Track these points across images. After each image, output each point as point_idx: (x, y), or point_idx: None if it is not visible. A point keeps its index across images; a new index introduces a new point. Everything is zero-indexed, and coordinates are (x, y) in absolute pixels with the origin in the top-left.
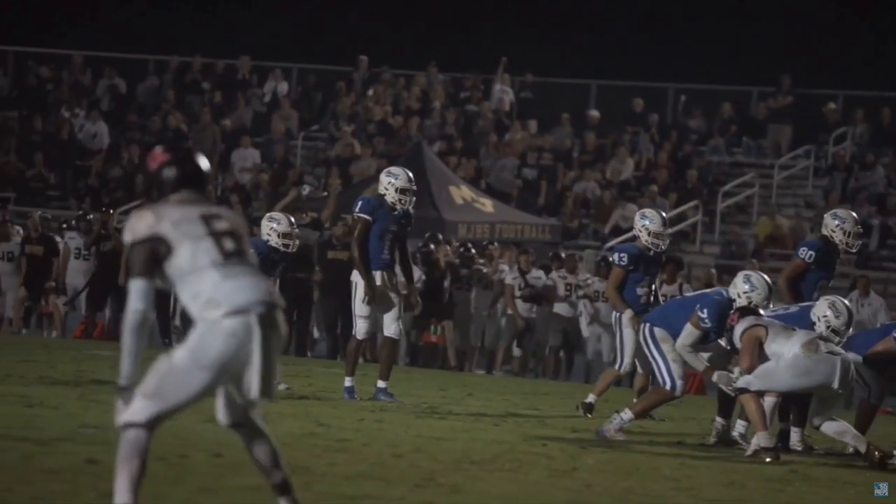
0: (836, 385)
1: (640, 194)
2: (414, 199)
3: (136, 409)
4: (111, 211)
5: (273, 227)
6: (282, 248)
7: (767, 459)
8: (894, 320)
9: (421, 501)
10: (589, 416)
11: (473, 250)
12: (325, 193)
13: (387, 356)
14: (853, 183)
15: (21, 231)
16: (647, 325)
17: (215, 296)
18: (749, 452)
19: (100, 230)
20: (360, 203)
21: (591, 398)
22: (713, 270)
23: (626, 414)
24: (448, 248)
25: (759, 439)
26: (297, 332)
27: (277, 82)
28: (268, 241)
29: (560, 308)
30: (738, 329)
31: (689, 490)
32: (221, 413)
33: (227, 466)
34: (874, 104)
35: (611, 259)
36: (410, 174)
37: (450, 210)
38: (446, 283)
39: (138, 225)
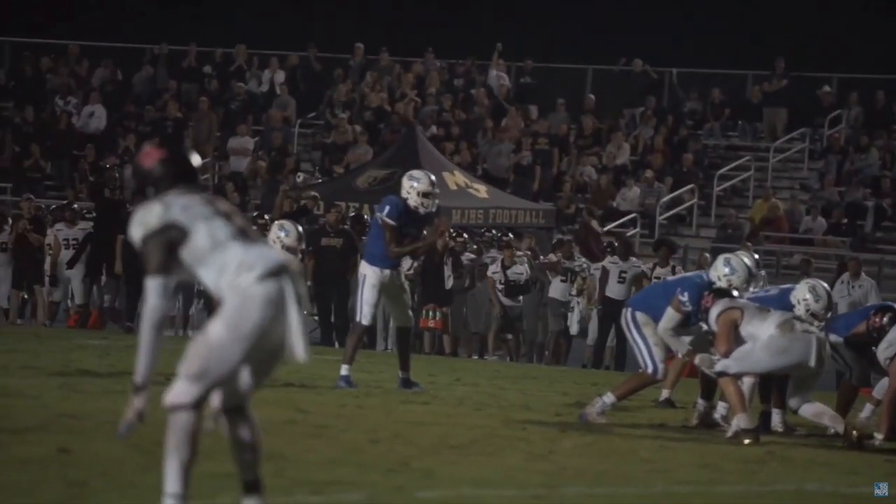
0: (812, 363)
1: (636, 178)
2: (437, 201)
3: (181, 392)
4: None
5: (280, 237)
6: None
7: (746, 441)
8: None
9: (392, 486)
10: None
11: (466, 236)
12: (300, 182)
13: (403, 346)
14: (848, 166)
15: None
16: (629, 309)
17: (246, 259)
18: (729, 434)
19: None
20: (387, 208)
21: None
22: (707, 255)
23: (609, 397)
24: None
25: (739, 421)
26: None
27: (274, 71)
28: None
29: (556, 292)
30: (714, 312)
31: (663, 472)
32: (217, 395)
33: (200, 454)
34: (868, 87)
35: None
36: (432, 177)
37: (443, 196)
38: (447, 269)
39: (148, 217)
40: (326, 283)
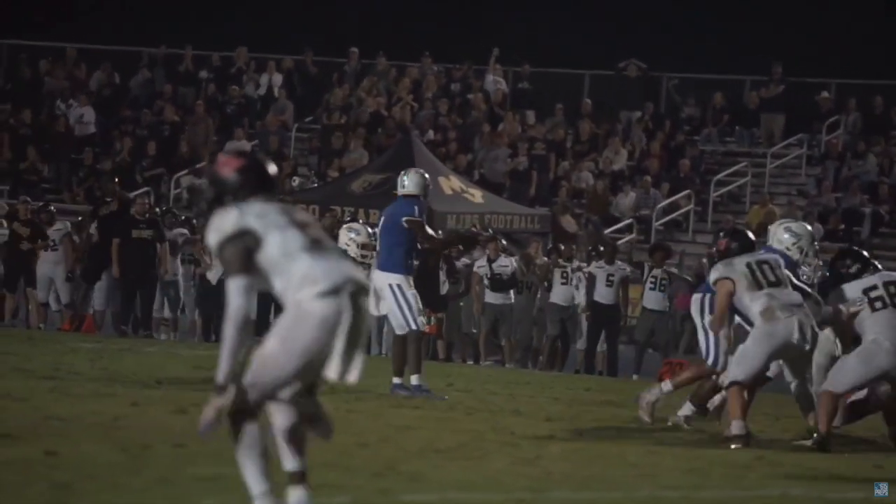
0: (795, 340)
1: (633, 184)
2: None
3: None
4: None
5: (353, 238)
6: (359, 260)
7: (733, 446)
8: None
9: (378, 489)
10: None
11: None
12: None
13: (415, 350)
14: (845, 171)
15: (5, 223)
16: (707, 294)
17: (312, 273)
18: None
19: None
20: (416, 208)
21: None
22: (704, 261)
23: (666, 385)
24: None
25: (733, 427)
26: None
27: (271, 73)
28: (345, 251)
29: (557, 297)
30: (713, 275)
31: (650, 476)
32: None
33: (186, 457)
34: (867, 92)
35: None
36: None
37: (438, 201)
38: (442, 274)
39: (224, 223)
40: None
